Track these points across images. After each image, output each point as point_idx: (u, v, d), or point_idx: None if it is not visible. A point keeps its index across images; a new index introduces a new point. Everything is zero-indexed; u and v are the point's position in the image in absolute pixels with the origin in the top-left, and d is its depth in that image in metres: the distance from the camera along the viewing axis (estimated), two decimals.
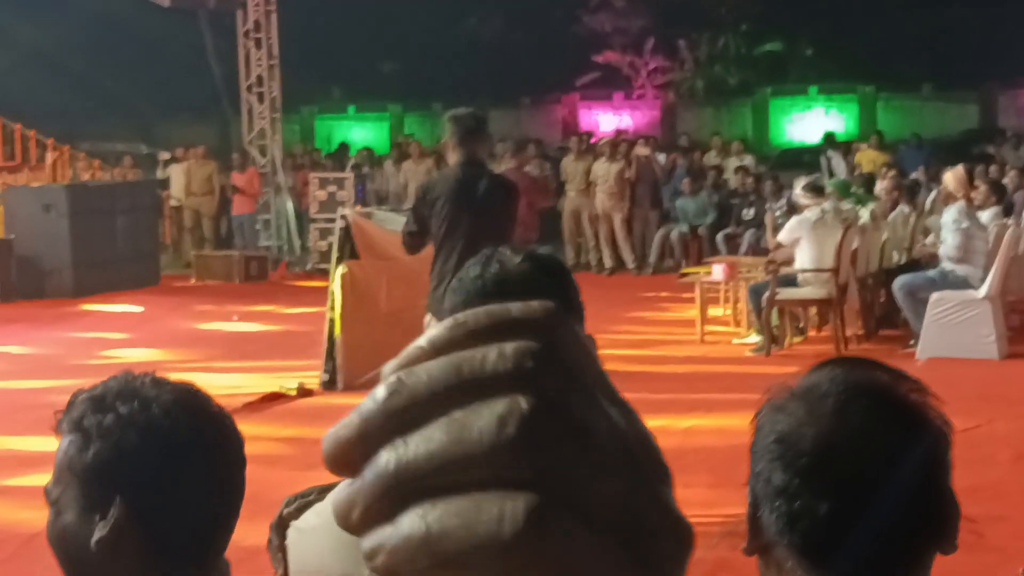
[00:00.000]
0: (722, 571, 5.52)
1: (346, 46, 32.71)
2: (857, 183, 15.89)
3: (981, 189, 12.61)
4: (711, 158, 21.09)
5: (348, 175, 19.93)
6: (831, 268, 11.26)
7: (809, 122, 30.01)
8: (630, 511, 0.61)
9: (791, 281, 11.55)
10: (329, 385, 10.18)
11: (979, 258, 11.36)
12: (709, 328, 12.49)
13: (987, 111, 29.68)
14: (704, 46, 32.51)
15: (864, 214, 12.86)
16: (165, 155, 22.93)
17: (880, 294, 12.59)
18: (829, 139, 22.01)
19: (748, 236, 17.68)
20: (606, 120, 31.00)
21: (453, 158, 7.10)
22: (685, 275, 13.86)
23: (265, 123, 21.03)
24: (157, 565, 1.74)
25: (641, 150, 19.69)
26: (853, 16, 31.16)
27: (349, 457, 0.62)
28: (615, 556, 0.61)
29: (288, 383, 10.20)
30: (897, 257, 13.10)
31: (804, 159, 23.40)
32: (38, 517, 1.92)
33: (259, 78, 20.95)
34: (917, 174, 17.91)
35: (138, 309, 15.68)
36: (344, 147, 25.06)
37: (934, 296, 11.10)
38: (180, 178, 21.07)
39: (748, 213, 18.15)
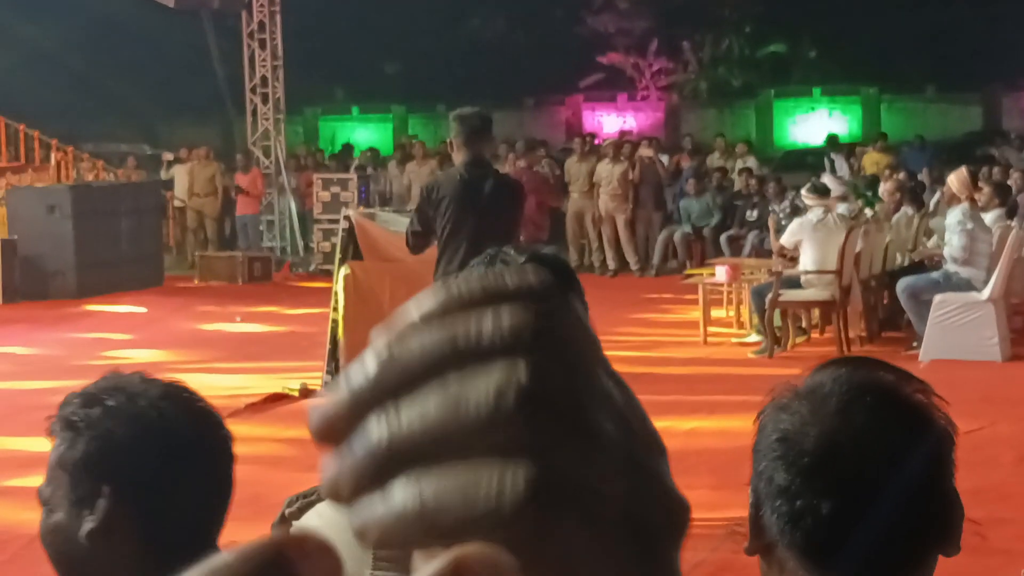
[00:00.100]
0: (725, 573, 5.52)
1: (349, 47, 32.73)
2: (861, 185, 15.90)
3: (985, 191, 12.59)
4: (714, 160, 21.08)
5: (351, 176, 19.93)
6: (834, 270, 11.26)
7: (813, 124, 30.01)
8: (630, 486, 0.60)
9: (794, 283, 11.55)
10: (332, 386, 10.16)
11: (983, 260, 11.35)
12: (712, 330, 12.49)
13: (990, 113, 29.67)
14: (708, 48, 32.52)
15: (869, 214, 12.88)
16: (169, 156, 22.95)
17: (883, 296, 12.58)
18: (832, 141, 22.02)
19: (751, 238, 17.68)
20: (609, 121, 31.01)
21: (458, 158, 7.07)
22: (690, 276, 13.86)
23: (269, 124, 21.04)
24: (151, 559, 1.73)
25: (644, 152, 19.69)
26: (856, 18, 31.15)
27: (338, 429, 0.60)
28: (614, 530, 0.60)
29: (291, 384, 10.20)
30: (900, 259, 13.09)
31: (808, 161, 23.42)
32: (40, 518, 1.92)
33: (263, 79, 20.97)
34: (920, 176, 17.92)
35: (142, 310, 15.69)
36: (348, 148, 25.07)
37: (937, 298, 11.09)
38: (183, 179, 21.09)
39: (751, 215, 18.15)
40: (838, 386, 1.50)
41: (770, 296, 11.30)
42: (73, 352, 12.37)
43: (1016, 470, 7.58)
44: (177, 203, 21.23)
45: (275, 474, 7.21)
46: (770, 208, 16.72)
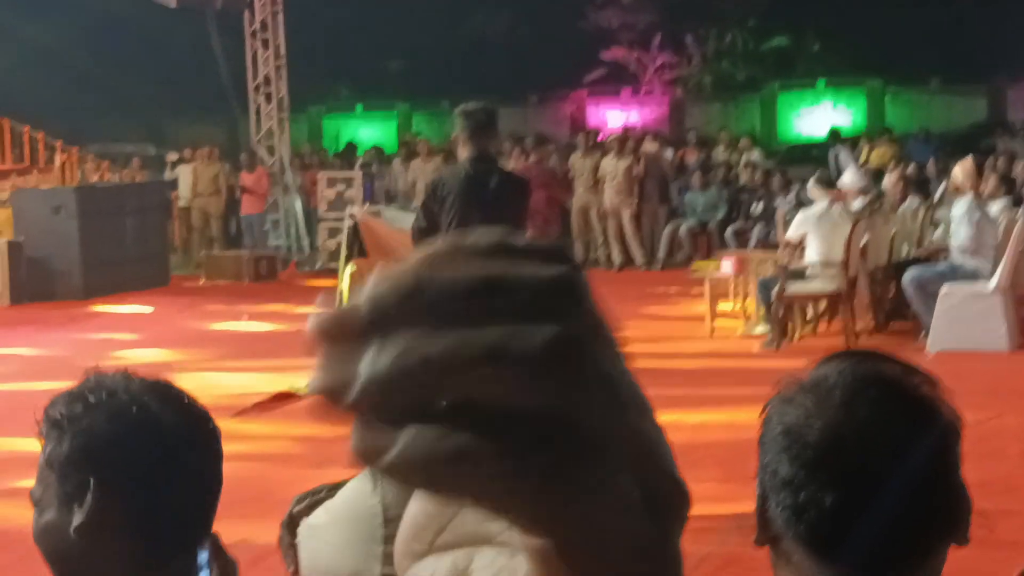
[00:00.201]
0: (732, 566, 5.53)
1: (353, 45, 32.72)
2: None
3: (990, 181, 12.59)
4: (719, 153, 21.08)
5: (356, 174, 19.95)
6: (840, 262, 11.25)
7: (817, 117, 29.93)
8: (641, 447, 0.61)
9: (801, 275, 11.54)
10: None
11: (989, 251, 11.35)
12: (719, 323, 12.48)
13: (996, 105, 29.58)
14: (711, 41, 32.45)
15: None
16: (173, 156, 22.98)
17: (890, 288, 12.57)
18: (834, 135, 21.94)
19: (757, 231, 17.70)
20: (614, 116, 30.95)
21: (463, 153, 7.06)
22: (697, 269, 13.86)
23: (273, 123, 21.06)
24: (140, 552, 1.74)
25: (649, 146, 19.69)
26: (860, 10, 31.07)
27: (348, 330, 0.59)
28: (629, 487, 0.60)
29: (298, 382, 10.20)
30: (907, 250, 13.08)
31: (813, 154, 23.37)
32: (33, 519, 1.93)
33: (266, 78, 20.98)
34: (926, 168, 17.91)
35: (148, 310, 15.70)
36: (352, 146, 25.07)
37: (944, 289, 11.08)
38: (187, 179, 21.11)
39: (757, 208, 18.15)
40: (842, 379, 1.50)
41: (776, 289, 11.30)
42: (81, 352, 12.38)
43: (1023, 462, 7.57)
44: (182, 203, 21.25)
45: (283, 472, 7.22)
46: (775, 201, 16.73)
